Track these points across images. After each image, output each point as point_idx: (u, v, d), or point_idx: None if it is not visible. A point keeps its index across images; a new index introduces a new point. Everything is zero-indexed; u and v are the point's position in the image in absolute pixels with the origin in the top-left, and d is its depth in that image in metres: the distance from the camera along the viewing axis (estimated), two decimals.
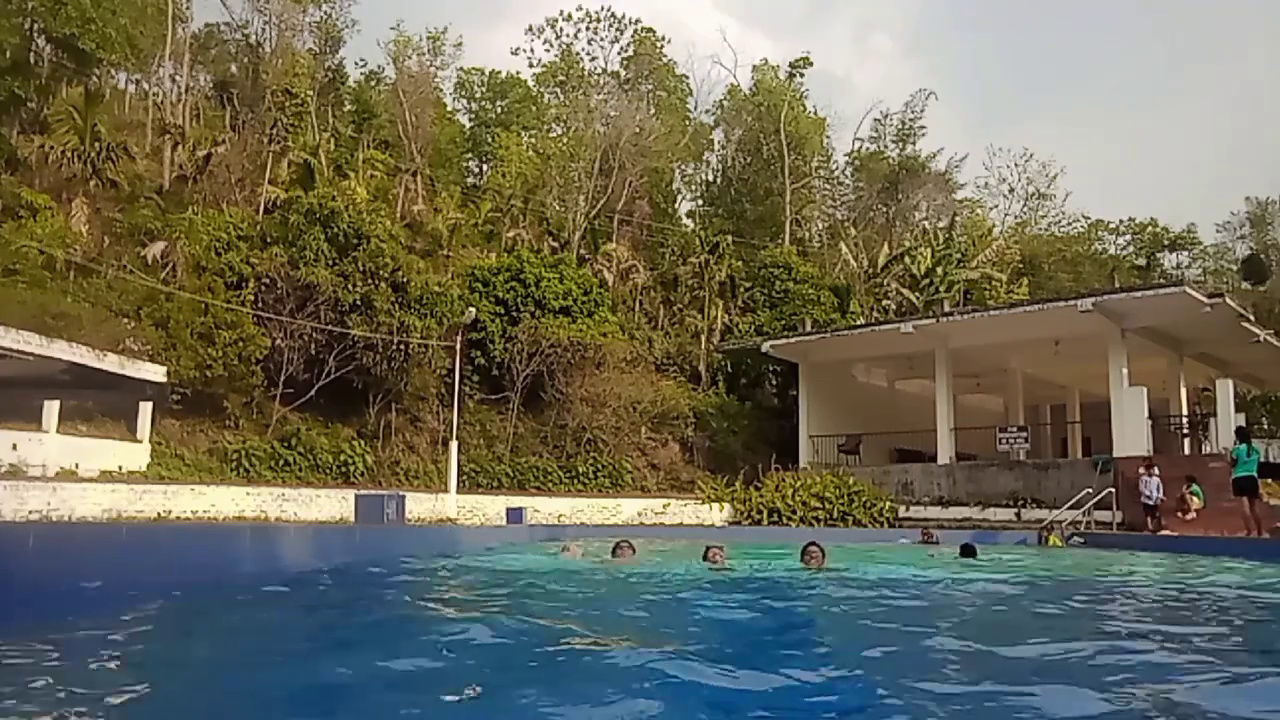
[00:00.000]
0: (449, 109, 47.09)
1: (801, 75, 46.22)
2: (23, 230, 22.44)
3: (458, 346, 24.40)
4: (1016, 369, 26.86)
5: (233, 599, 6.04)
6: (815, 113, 46.96)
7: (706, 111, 49.32)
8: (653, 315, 34.10)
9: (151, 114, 33.26)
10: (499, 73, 49.40)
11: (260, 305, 23.02)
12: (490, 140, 44.22)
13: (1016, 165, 48.63)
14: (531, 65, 48.59)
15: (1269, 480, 18.04)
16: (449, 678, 3.61)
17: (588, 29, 47.06)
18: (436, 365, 25.00)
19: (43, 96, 29.87)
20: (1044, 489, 21.31)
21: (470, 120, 49.06)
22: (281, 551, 8.45)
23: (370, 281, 24.03)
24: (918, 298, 32.41)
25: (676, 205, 47.63)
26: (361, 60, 46.30)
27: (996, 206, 49.97)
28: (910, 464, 24.94)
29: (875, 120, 48.25)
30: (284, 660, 4.06)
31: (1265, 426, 30.43)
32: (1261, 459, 15.70)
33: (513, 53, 50.78)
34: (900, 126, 47.48)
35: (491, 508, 22.10)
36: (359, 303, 23.68)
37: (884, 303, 35.21)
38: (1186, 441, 24.12)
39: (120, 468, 19.44)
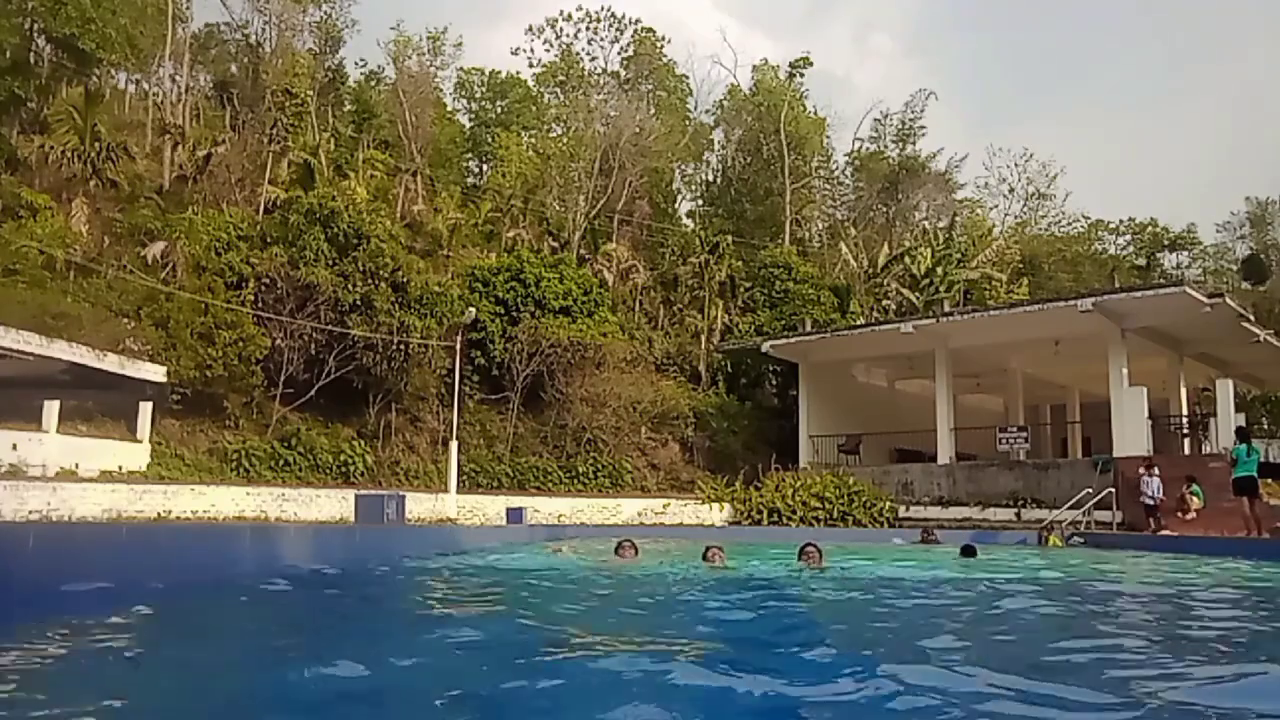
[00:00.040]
0: (449, 109, 47.10)
1: (801, 75, 46.28)
2: (23, 230, 22.44)
3: (458, 346, 24.40)
4: (1016, 369, 26.86)
5: (233, 599, 6.04)
6: (815, 113, 46.99)
7: (706, 111, 49.41)
8: (653, 315, 34.10)
9: (151, 114, 33.27)
10: (499, 73, 49.44)
11: (260, 305, 23.03)
12: (490, 140, 44.23)
13: (1016, 165, 48.71)
14: (531, 65, 48.69)
15: (1269, 480, 18.04)
16: (448, 678, 3.61)
17: (588, 29, 47.12)
18: (436, 365, 25.00)
19: (43, 96, 29.88)
20: (1044, 489, 21.31)
21: (470, 120, 49.07)
22: (281, 552, 8.45)
23: (370, 281, 24.04)
24: (918, 298, 32.41)
25: (676, 205, 47.66)
26: (361, 60, 46.40)
27: (996, 206, 50.06)
28: (910, 464, 24.94)
29: (875, 120, 48.34)
30: (283, 661, 4.06)
31: (1265, 426, 30.43)
32: (1261, 459, 15.70)
33: (513, 53, 50.86)
34: (900, 126, 47.52)
35: (491, 508, 22.10)
36: (359, 303, 23.68)
37: (884, 303, 35.21)
38: (1186, 441, 24.12)
39: (120, 468, 19.45)
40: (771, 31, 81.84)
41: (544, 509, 22.11)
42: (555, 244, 35.87)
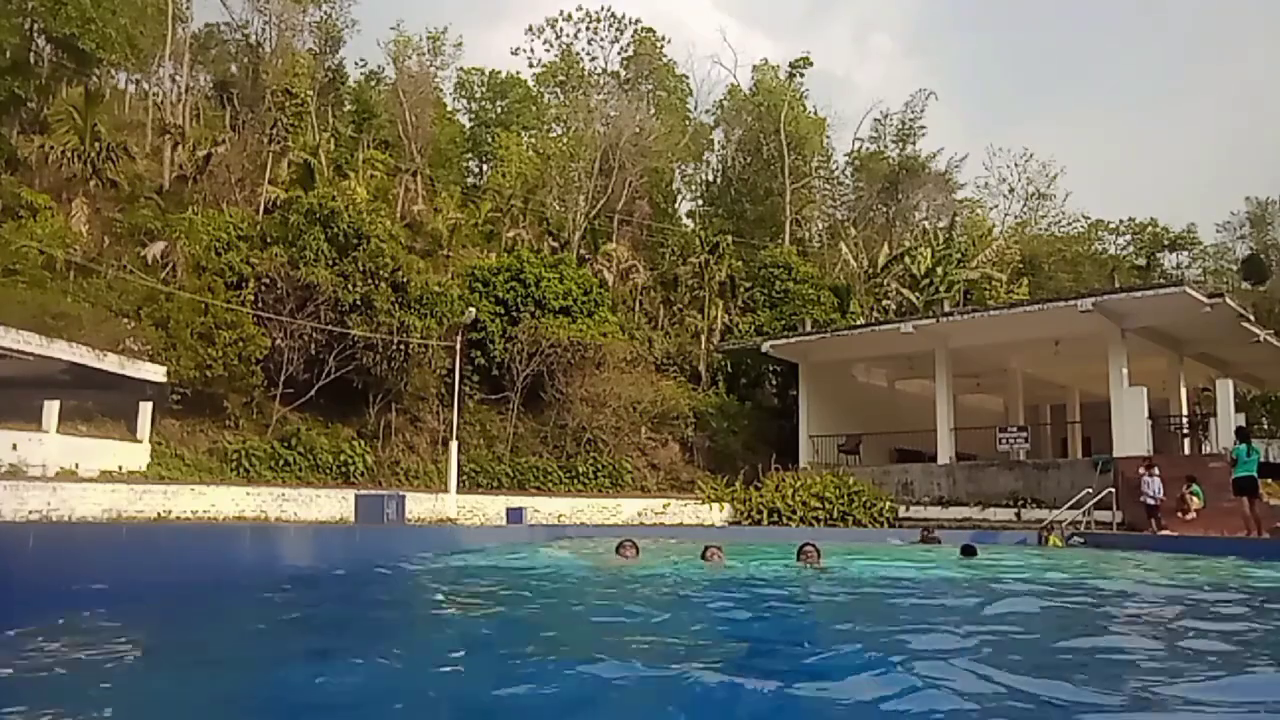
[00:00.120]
0: (449, 109, 47.10)
1: (801, 75, 46.26)
2: (23, 230, 22.44)
3: (458, 346, 24.40)
4: (1016, 369, 26.86)
5: (232, 599, 6.04)
6: (815, 113, 46.98)
7: (706, 111, 49.40)
8: (653, 315, 34.10)
9: (151, 114, 33.26)
10: (499, 73, 49.43)
11: (260, 305, 23.02)
12: (490, 140, 44.22)
13: (1016, 165, 48.69)
14: (531, 65, 48.68)
15: (1269, 480, 18.04)
16: (448, 679, 3.62)
17: (588, 29, 47.10)
18: (436, 365, 25.00)
19: (43, 96, 29.87)
20: (1044, 489, 21.31)
21: (470, 120, 49.06)
22: (281, 552, 8.45)
23: (370, 281, 24.03)
24: (918, 298, 32.41)
25: (676, 205, 47.65)
26: (361, 60, 46.38)
27: (996, 206, 50.05)
28: (910, 464, 24.93)
29: (875, 120, 48.33)
30: (282, 661, 4.06)
31: (1265, 426, 30.42)
32: (1261, 459, 15.70)
33: (513, 53, 50.86)
34: (900, 126, 47.51)
35: (491, 508, 22.09)
36: (359, 303, 23.68)
37: (884, 303, 35.21)
38: (1186, 441, 24.12)
39: (120, 468, 19.44)
40: (771, 31, 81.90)
41: (544, 509, 22.10)
42: (555, 244, 35.86)
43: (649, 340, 31.26)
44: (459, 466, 22.85)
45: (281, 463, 22.11)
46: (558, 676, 3.57)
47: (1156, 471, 18.32)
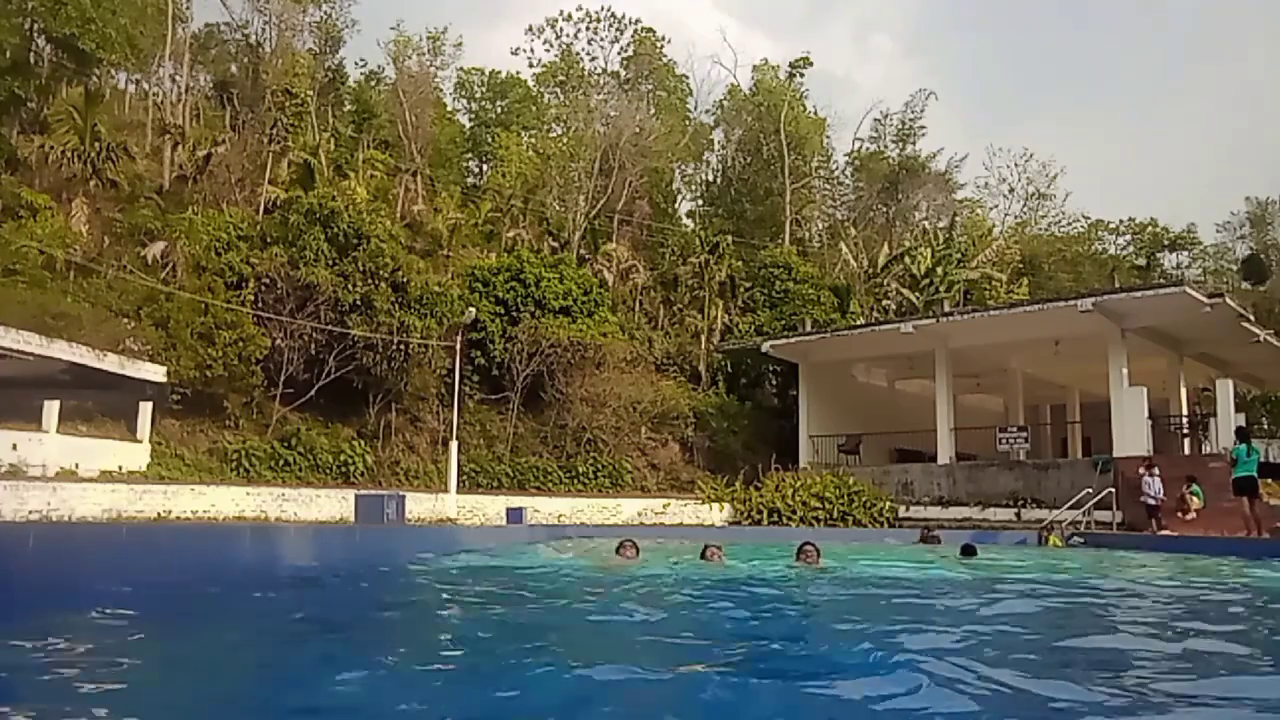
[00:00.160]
0: (449, 109, 47.09)
1: (801, 75, 46.26)
2: (23, 230, 22.44)
3: (458, 346, 24.40)
4: (1016, 369, 26.86)
5: (232, 599, 6.04)
6: (815, 113, 46.97)
7: (706, 111, 49.39)
8: (653, 315, 34.10)
9: (151, 114, 33.26)
10: (499, 73, 49.43)
11: (260, 305, 23.02)
12: (490, 140, 44.22)
13: (1016, 165, 48.69)
14: (531, 65, 48.67)
15: (1269, 480, 18.04)
16: (448, 679, 3.61)
17: (588, 29, 47.10)
18: (436, 365, 25.00)
19: (43, 96, 29.87)
20: (1044, 489, 21.31)
21: (470, 120, 49.06)
22: (281, 552, 8.46)
23: (370, 281, 24.03)
24: (918, 298, 32.41)
25: (676, 205, 47.65)
26: (361, 60, 46.38)
27: (996, 206, 50.04)
28: (910, 464, 24.93)
29: (875, 120, 48.32)
30: (282, 662, 4.06)
31: (1265, 426, 30.42)
32: (1261, 459, 15.70)
33: (513, 53, 50.82)
34: (900, 126, 47.50)
35: (491, 508, 22.09)
36: (359, 303, 23.68)
37: (884, 303, 35.21)
38: (1186, 441, 24.12)
39: (120, 468, 19.44)
40: (771, 31, 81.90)
41: (544, 509, 22.10)
42: (555, 244, 35.86)
43: (649, 340, 31.26)
44: (459, 466, 22.85)
45: (281, 463, 22.11)
46: (557, 678, 3.57)
47: (1157, 471, 18.32)
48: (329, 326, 23.22)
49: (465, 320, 24.87)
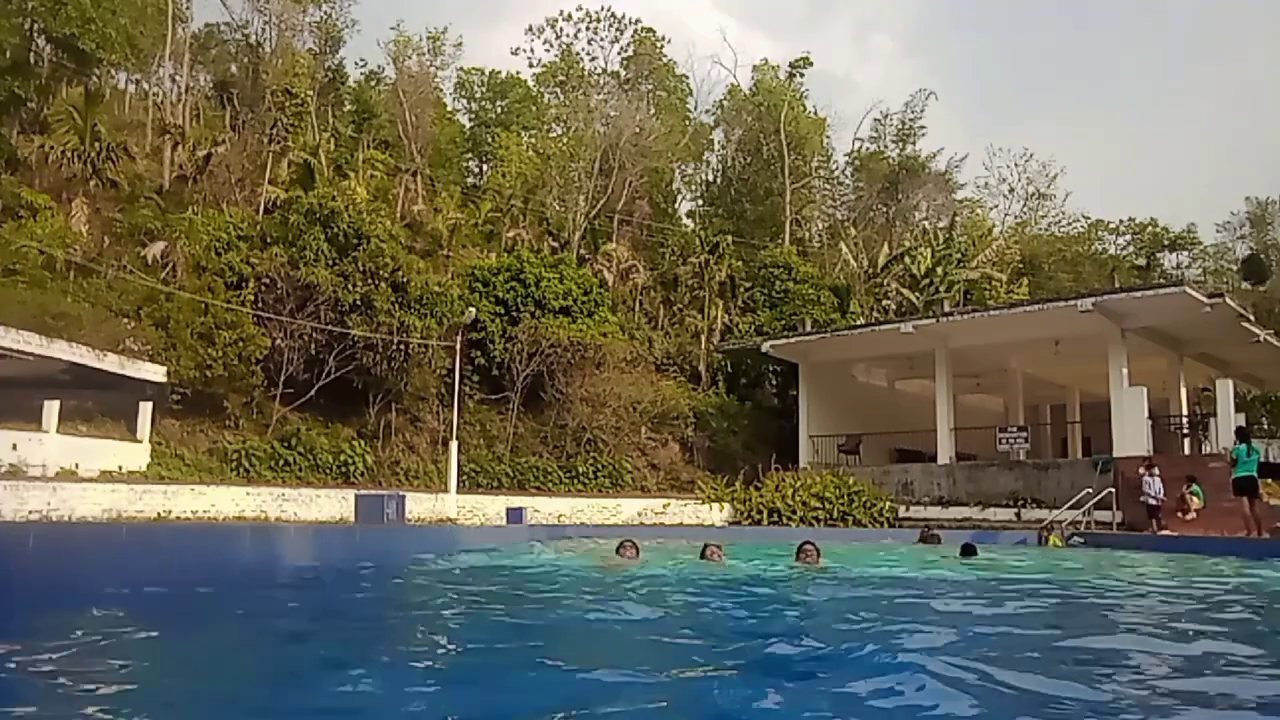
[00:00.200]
0: (449, 109, 47.09)
1: (801, 75, 46.25)
2: (23, 230, 22.44)
3: (458, 346, 24.40)
4: (1016, 369, 26.86)
5: (232, 599, 6.04)
6: (815, 113, 46.96)
7: (706, 111, 49.38)
8: (653, 315, 34.09)
9: (151, 114, 33.26)
10: (499, 73, 49.42)
11: (260, 305, 23.02)
12: (490, 140, 44.22)
13: (1016, 165, 48.67)
14: (531, 65, 48.66)
15: (1269, 480, 18.03)
16: (447, 679, 3.61)
17: (588, 29, 47.09)
18: (436, 365, 25.00)
19: (43, 96, 29.87)
20: (1044, 489, 21.31)
21: (470, 120, 49.06)
22: (281, 552, 8.46)
23: (370, 281, 24.03)
24: (918, 298, 32.41)
25: (676, 205, 47.64)
26: (361, 60, 46.36)
27: (996, 206, 50.04)
28: (910, 464, 24.93)
29: (875, 120, 48.30)
30: (282, 662, 4.06)
31: (1265, 426, 30.42)
32: (1261, 459, 15.70)
33: (513, 53, 50.82)
34: (900, 126, 47.49)
35: (491, 508, 22.09)
36: (359, 303, 23.68)
37: (884, 303, 35.20)
38: (1186, 441, 24.12)
39: (120, 468, 19.44)
40: (771, 31, 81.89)
41: (544, 509, 22.10)
42: (555, 244, 35.86)
43: (649, 340, 31.26)
44: (459, 466, 22.85)
45: (281, 463, 22.11)
46: (557, 678, 3.57)
47: (1157, 471, 18.32)
48: (329, 326, 23.22)
49: (465, 320, 24.87)
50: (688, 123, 47.41)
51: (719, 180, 47.24)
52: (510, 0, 73.86)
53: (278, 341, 22.72)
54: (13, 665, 3.51)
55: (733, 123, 47.15)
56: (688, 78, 50.10)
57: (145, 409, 20.64)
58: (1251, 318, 22.19)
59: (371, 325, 23.58)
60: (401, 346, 23.89)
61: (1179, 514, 18.09)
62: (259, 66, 38.22)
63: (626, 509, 23.57)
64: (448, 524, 20.39)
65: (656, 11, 77.26)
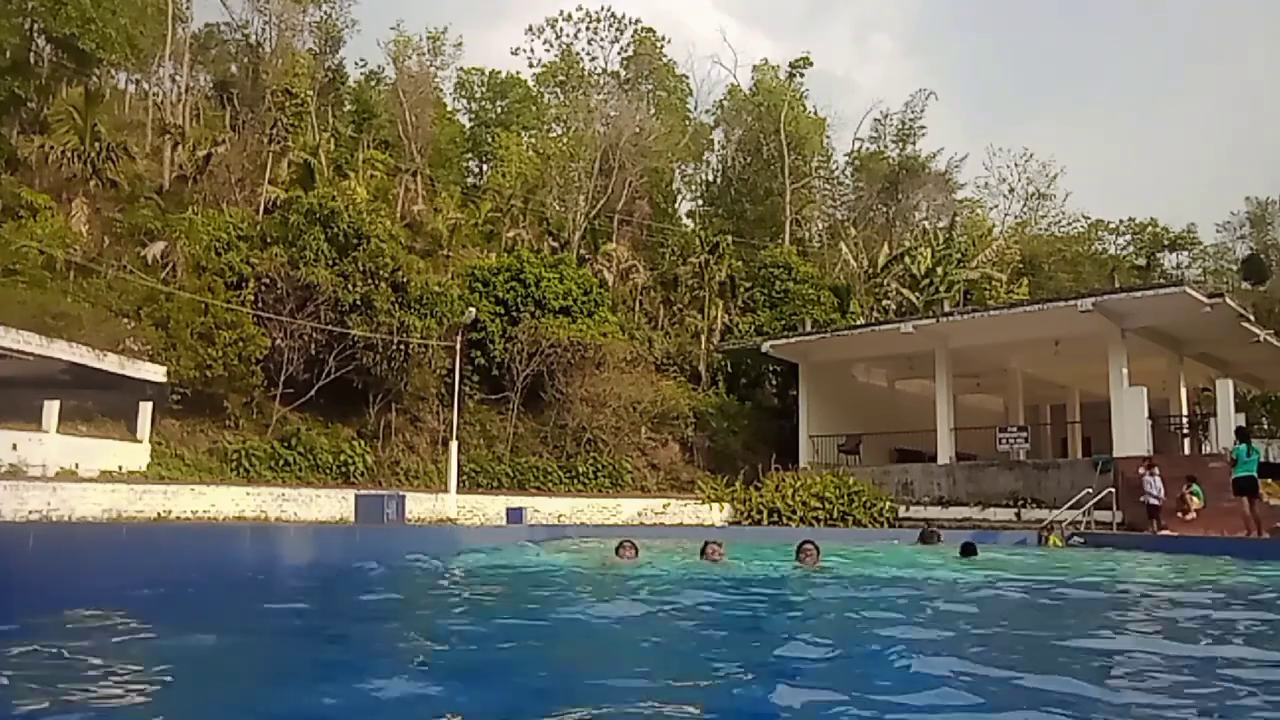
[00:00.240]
0: (449, 109, 47.09)
1: (801, 75, 46.25)
2: (23, 230, 22.44)
3: (458, 346, 24.40)
4: (1016, 369, 26.86)
5: (232, 599, 6.04)
6: (815, 113, 46.96)
7: (706, 111, 49.38)
8: (653, 315, 34.10)
9: (151, 114, 33.26)
10: (499, 73, 49.42)
11: (260, 305, 23.02)
12: (490, 140, 44.22)
13: (1016, 165, 48.67)
14: (531, 65, 48.66)
15: (1269, 480, 18.03)
16: (447, 679, 3.61)
17: (588, 29, 47.09)
18: (436, 365, 25.00)
19: (43, 96, 29.87)
20: (1044, 489, 21.31)
21: (470, 120, 49.06)
22: (281, 552, 8.46)
23: (370, 281, 24.03)
24: (918, 298, 32.41)
25: (676, 205, 47.64)
26: (361, 60, 46.36)
27: (996, 206, 50.03)
28: (910, 464, 24.93)
29: (875, 120, 48.30)
30: (281, 663, 4.06)
31: (1265, 426, 30.42)
32: (1261, 459, 15.69)
33: (513, 53, 50.81)
34: (900, 126, 47.49)
35: (491, 508, 22.09)
36: (359, 303, 23.68)
37: (884, 303, 35.20)
38: (1186, 441, 24.12)
39: (120, 468, 19.44)
40: (771, 31, 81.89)
41: (544, 509, 22.10)
42: (555, 244, 35.86)
43: (649, 340, 31.26)
44: (459, 466, 22.85)
45: (281, 463, 22.11)
46: (557, 679, 3.57)
47: (1157, 471, 18.32)
48: (329, 326, 23.22)
49: (465, 320, 24.87)
50: (688, 123, 47.41)
51: (719, 180, 47.24)
52: (510, 0, 73.92)
53: (278, 341, 22.73)
54: (12, 665, 3.51)
55: (733, 123, 47.15)
56: (688, 78, 50.18)
57: (145, 409, 20.64)
58: (1251, 318, 22.19)
59: (371, 325, 23.59)
60: (401, 346, 23.89)
61: (1179, 514, 18.08)
62: (259, 66, 38.22)
63: (626, 509, 23.57)
64: (448, 524, 20.39)
65: (656, 11, 77.33)
